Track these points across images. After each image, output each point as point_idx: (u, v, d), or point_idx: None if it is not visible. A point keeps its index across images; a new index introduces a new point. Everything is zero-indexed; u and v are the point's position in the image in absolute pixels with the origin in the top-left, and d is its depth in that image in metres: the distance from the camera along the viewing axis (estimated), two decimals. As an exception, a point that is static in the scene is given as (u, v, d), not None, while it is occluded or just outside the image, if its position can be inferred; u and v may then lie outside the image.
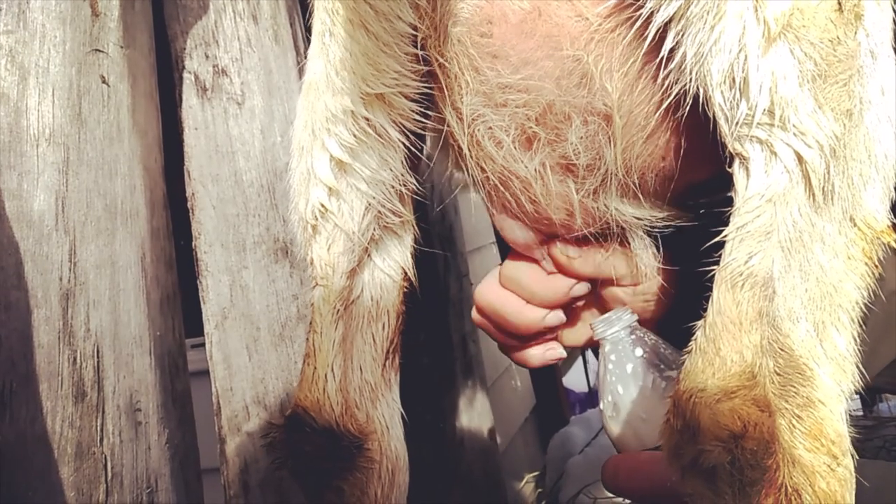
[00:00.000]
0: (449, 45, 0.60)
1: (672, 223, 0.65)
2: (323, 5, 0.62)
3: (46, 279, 1.03)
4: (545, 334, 0.74)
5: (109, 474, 1.05)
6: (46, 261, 1.04)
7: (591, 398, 3.17)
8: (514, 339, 0.75)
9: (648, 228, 0.65)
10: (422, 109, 0.67)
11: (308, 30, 0.69)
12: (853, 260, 0.49)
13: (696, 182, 0.62)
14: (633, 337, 0.69)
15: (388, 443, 0.76)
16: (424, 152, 0.74)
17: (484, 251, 2.65)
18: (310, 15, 0.68)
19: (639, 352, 0.68)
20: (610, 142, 0.58)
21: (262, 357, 1.26)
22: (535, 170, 0.61)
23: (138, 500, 1.08)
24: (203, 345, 1.28)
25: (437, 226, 1.76)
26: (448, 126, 0.63)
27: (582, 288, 0.71)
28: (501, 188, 0.64)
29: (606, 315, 0.70)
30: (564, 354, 0.76)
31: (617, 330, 0.69)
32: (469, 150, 0.62)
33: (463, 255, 1.89)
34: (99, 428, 1.05)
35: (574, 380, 3.57)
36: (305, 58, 1.43)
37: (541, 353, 0.75)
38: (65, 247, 1.06)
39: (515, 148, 0.61)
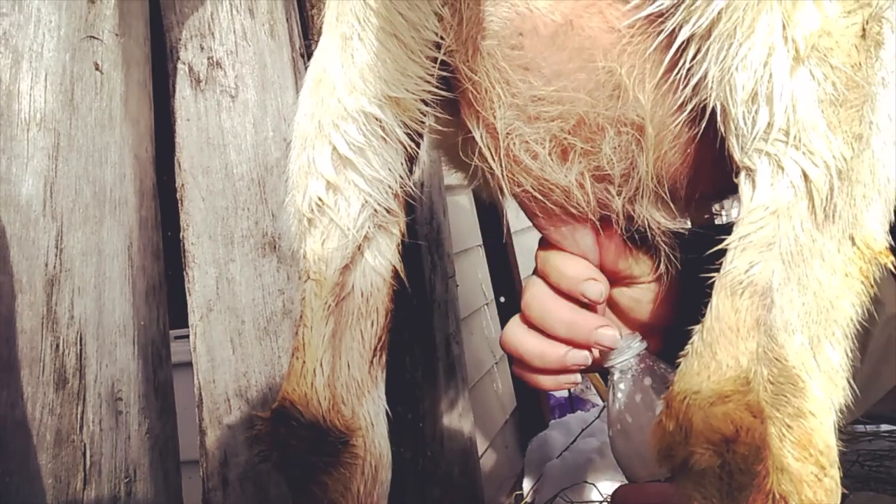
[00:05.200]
0: (478, 59, 0.60)
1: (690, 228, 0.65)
2: (353, 10, 0.62)
3: (32, 264, 1.02)
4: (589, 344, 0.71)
5: (88, 463, 1.04)
6: (32, 246, 1.03)
7: (571, 403, 3.19)
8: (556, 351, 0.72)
9: (668, 232, 0.66)
10: (429, 111, 0.67)
11: (305, 26, 0.69)
12: (850, 278, 0.50)
13: (722, 190, 0.63)
14: (642, 366, 0.69)
15: (373, 439, 0.76)
16: (421, 153, 0.74)
17: (471, 253, 2.66)
18: (314, 10, 0.68)
19: (648, 381, 0.68)
20: (643, 151, 0.59)
21: (246, 350, 1.25)
22: (575, 179, 0.62)
23: (116, 490, 1.07)
24: (186, 336, 1.27)
25: (425, 227, 1.76)
26: (478, 142, 0.63)
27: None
28: (542, 199, 0.64)
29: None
30: (579, 379, 0.74)
31: (626, 358, 0.69)
32: (503, 164, 0.63)
33: (450, 257, 1.89)
34: (79, 416, 1.04)
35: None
36: (300, 53, 1.41)
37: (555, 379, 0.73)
38: (51, 232, 1.05)
39: (552, 160, 0.61)
